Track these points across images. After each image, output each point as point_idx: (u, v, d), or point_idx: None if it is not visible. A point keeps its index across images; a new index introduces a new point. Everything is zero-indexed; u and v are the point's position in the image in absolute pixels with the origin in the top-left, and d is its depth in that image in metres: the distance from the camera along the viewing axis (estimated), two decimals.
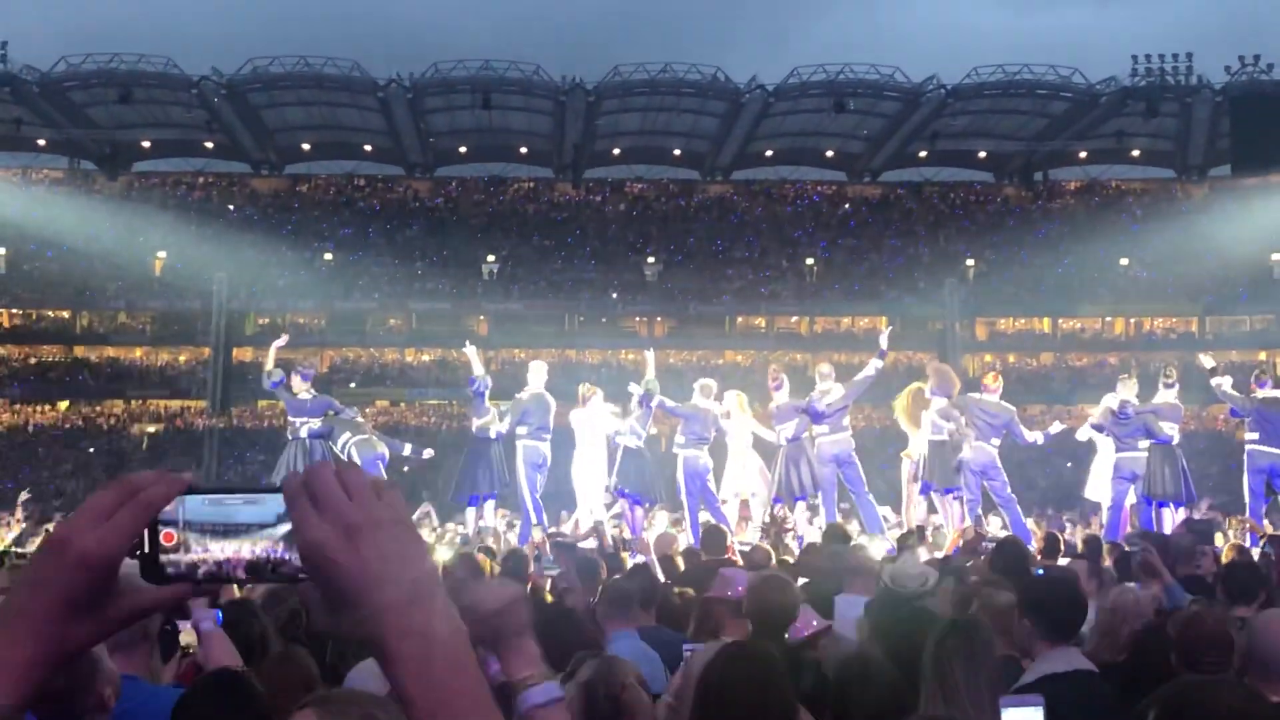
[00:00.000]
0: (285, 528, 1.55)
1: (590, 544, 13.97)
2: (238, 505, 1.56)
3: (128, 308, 62.72)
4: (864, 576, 8.20)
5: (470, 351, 19.95)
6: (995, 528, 17.33)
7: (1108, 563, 11.15)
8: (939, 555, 12.54)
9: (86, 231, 60.32)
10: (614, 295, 63.70)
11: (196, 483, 1.59)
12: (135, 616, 1.57)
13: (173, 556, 1.56)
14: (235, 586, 6.07)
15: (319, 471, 1.54)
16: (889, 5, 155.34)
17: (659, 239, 67.38)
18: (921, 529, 16.02)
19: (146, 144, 67.08)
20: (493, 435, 18.80)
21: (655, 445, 20.35)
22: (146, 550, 1.55)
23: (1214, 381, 18.37)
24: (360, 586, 1.48)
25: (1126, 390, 18.11)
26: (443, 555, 11.48)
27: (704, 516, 17.84)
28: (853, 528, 16.43)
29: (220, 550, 1.56)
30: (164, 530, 1.55)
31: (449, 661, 1.50)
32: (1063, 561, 9.65)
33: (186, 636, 5.52)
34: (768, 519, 17.14)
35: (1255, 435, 17.94)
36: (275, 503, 1.56)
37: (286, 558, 1.55)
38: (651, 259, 65.44)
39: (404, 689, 1.49)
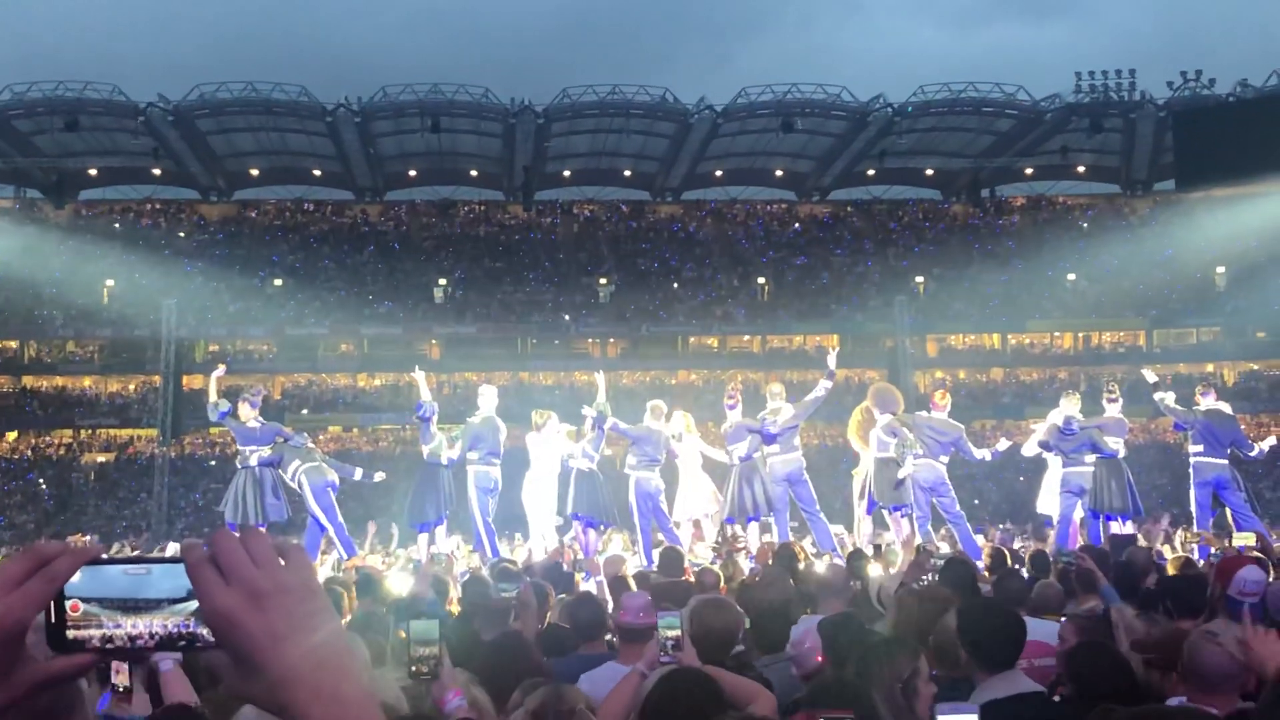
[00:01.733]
0: (195, 603, 1.54)
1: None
2: (147, 577, 1.56)
3: (76, 336, 62.23)
4: (841, 596, 8.19)
5: (419, 376, 19.94)
6: (947, 544, 17.45)
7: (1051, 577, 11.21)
8: (892, 572, 12.62)
9: (34, 260, 59.76)
10: (566, 317, 63.69)
11: (104, 554, 1.60)
12: (39, 686, 1.55)
13: (80, 630, 1.55)
14: None
15: (224, 539, 1.54)
16: (828, 27, 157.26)
17: (610, 260, 67.44)
18: (878, 547, 16.09)
19: (93, 172, 66.64)
20: (443, 461, 18.77)
21: (608, 467, 20.35)
22: (52, 620, 1.56)
23: (1157, 396, 18.54)
24: (269, 652, 1.48)
25: (1071, 406, 18.28)
26: (396, 582, 11.41)
27: (657, 538, 17.88)
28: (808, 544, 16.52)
29: (130, 624, 1.55)
30: (70, 601, 1.56)
31: None
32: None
33: (120, 678, 5.54)
34: (720, 539, 17.17)
35: (1200, 448, 18.12)
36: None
37: (199, 632, 1.54)
38: (603, 280, 65.51)
39: None
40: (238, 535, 1.56)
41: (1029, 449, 19.27)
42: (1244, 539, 14.12)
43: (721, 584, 10.58)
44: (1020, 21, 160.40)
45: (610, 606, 8.90)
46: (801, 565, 11.69)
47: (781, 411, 18.17)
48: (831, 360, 18.78)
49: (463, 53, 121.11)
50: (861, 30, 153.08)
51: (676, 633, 5.37)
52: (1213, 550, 13.47)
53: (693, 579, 11.40)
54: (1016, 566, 12.51)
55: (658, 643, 5.37)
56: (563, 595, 10.43)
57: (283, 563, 1.54)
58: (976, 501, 39.89)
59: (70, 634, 1.55)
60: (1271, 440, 19.60)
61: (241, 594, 1.49)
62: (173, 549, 22.47)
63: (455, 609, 11.19)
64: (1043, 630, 6.88)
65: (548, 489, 18.73)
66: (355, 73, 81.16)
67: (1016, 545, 20.17)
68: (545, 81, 69.76)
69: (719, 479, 18.88)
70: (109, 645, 1.55)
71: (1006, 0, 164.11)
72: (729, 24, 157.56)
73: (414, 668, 4.37)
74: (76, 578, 1.53)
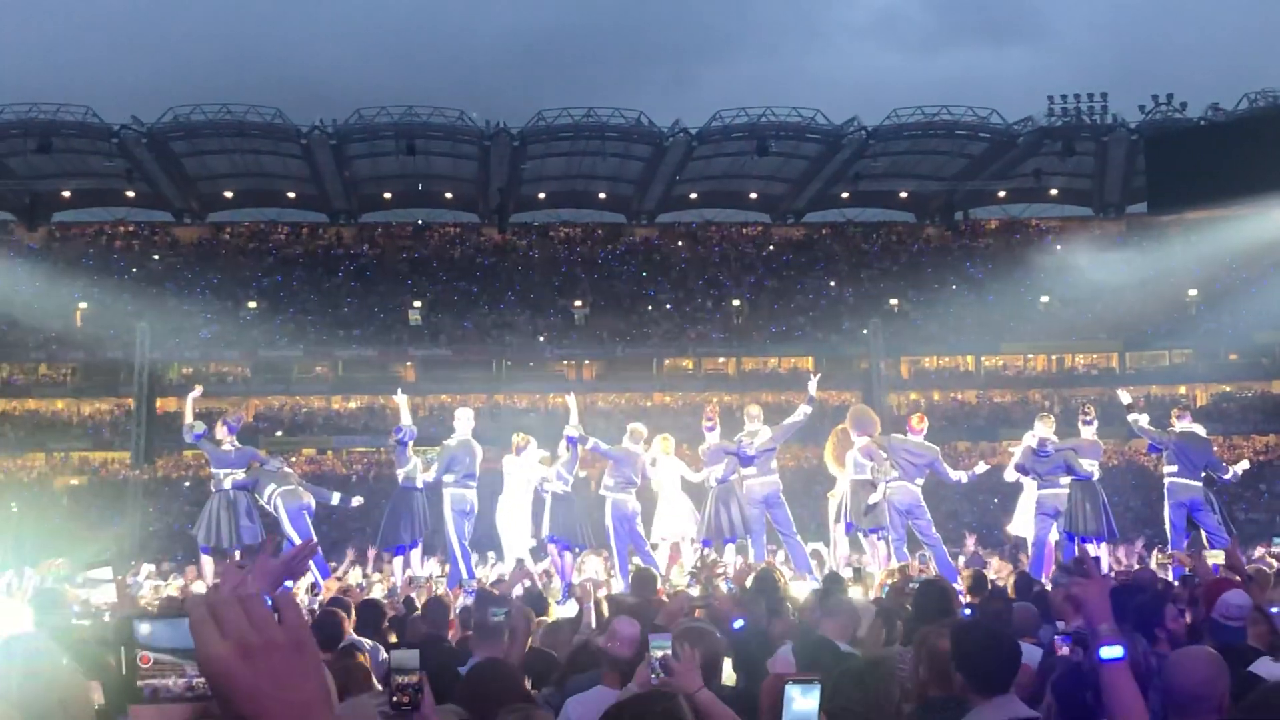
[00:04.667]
0: None
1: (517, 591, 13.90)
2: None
3: (49, 359, 61.85)
4: (843, 618, 8.18)
5: (401, 400, 19.94)
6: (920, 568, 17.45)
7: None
8: (871, 596, 12.63)
9: (6, 282, 59.46)
10: (541, 339, 63.65)
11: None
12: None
13: (154, 680, 1.68)
14: None
15: (224, 596, 1.62)
16: (791, 51, 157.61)
17: (585, 282, 67.45)
18: (858, 570, 16.11)
19: (66, 194, 66.37)
20: (419, 485, 18.77)
21: (584, 489, 20.34)
22: (124, 673, 1.63)
23: (1131, 417, 18.64)
24: (252, 703, 1.56)
25: (1045, 428, 18.34)
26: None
27: (633, 560, 17.87)
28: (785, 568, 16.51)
29: (193, 671, 1.67)
30: (141, 654, 1.63)
31: None
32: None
33: None
34: (698, 563, 17.16)
35: (1174, 469, 18.20)
36: None
37: None
38: (578, 302, 65.53)
39: None
40: (237, 596, 1.63)
41: (1009, 474, 19.28)
42: (1214, 557, 14.20)
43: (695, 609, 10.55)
44: (982, 46, 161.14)
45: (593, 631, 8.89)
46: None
47: (759, 434, 18.22)
48: (812, 387, 18.79)
49: (434, 76, 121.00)
50: (824, 55, 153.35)
51: (666, 653, 5.36)
52: (1186, 570, 13.51)
53: (666, 599, 11.38)
54: (999, 587, 12.55)
55: (648, 664, 5.36)
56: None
57: (277, 619, 1.63)
58: (951, 524, 39.96)
59: (142, 684, 1.62)
60: (1244, 464, 19.73)
61: (233, 647, 1.57)
62: (147, 570, 22.36)
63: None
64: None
65: (522, 512, 18.72)
66: (330, 95, 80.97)
67: (992, 563, 20.17)
68: (512, 104, 69.84)
69: (697, 501, 18.90)
70: (189, 694, 1.67)
71: (967, 25, 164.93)
72: (691, 48, 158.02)
73: (395, 698, 4.34)
74: (146, 629, 1.60)
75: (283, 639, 1.60)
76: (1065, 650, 7.24)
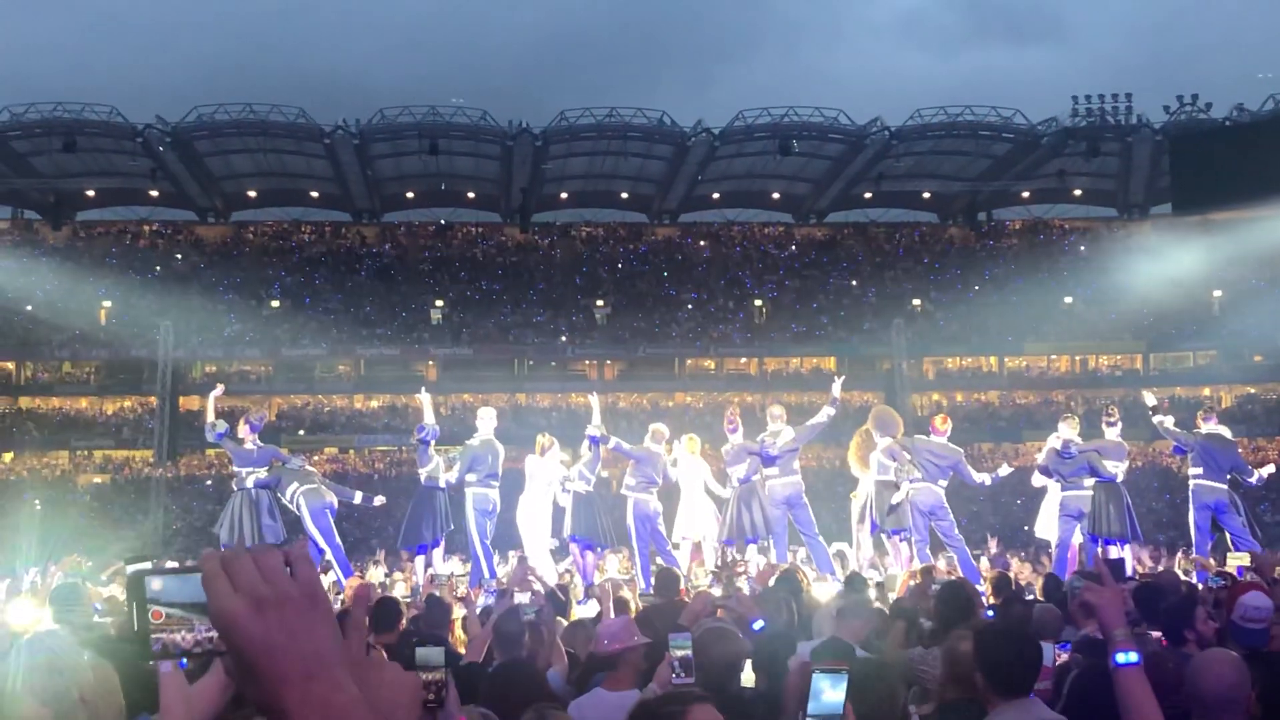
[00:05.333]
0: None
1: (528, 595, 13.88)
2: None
3: (73, 357, 62.14)
4: (859, 621, 8.14)
5: (424, 399, 19.83)
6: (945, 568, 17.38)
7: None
8: (893, 597, 12.58)
9: (30, 281, 59.89)
10: (563, 339, 63.68)
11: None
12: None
13: (166, 634, 1.67)
14: None
15: (236, 551, 1.63)
16: (812, 51, 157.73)
17: (607, 282, 67.46)
18: (879, 585, 16.06)
19: (91, 193, 66.67)
20: (441, 484, 18.76)
21: (605, 489, 20.31)
22: (135, 629, 1.63)
23: (1155, 419, 18.51)
24: (264, 657, 1.57)
25: (1069, 429, 18.21)
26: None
27: (655, 560, 17.83)
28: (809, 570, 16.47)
29: (206, 626, 1.65)
30: (152, 609, 1.63)
31: None
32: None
33: None
34: (720, 562, 17.12)
35: (1199, 470, 18.07)
36: None
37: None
38: (600, 302, 65.55)
39: None
40: (251, 550, 1.64)
41: (1037, 479, 19.14)
42: (1239, 559, 14.10)
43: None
44: (1004, 46, 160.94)
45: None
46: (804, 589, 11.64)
47: (782, 434, 18.14)
48: (836, 388, 18.58)
49: (457, 75, 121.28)
50: (845, 55, 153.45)
51: (687, 653, 5.33)
52: (1210, 575, 13.42)
53: (688, 600, 11.35)
54: (1024, 589, 12.49)
55: (669, 663, 5.34)
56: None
57: (290, 573, 1.63)
58: (974, 526, 39.85)
59: (155, 639, 1.62)
60: (1270, 468, 19.52)
61: (245, 600, 1.58)
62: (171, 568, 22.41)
63: (460, 633, 11.17)
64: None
65: (543, 512, 18.68)
66: (353, 95, 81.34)
67: (1012, 565, 20.09)
68: (534, 104, 70.09)
69: (719, 500, 18.86)
70: (196, 649, 1.67)
71: (990, 25, 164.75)
72: (712, 48, 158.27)
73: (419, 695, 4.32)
74: (158, 585, 1.61)
75: (295, 592, 1.61)
76: (1064, 657, 7.22)
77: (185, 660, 5.28)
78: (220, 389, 20.78)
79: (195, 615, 1.65)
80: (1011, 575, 14.58)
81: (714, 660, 6.07)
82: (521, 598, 9.00)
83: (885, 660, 6.13)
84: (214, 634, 1.63)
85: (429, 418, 19.10)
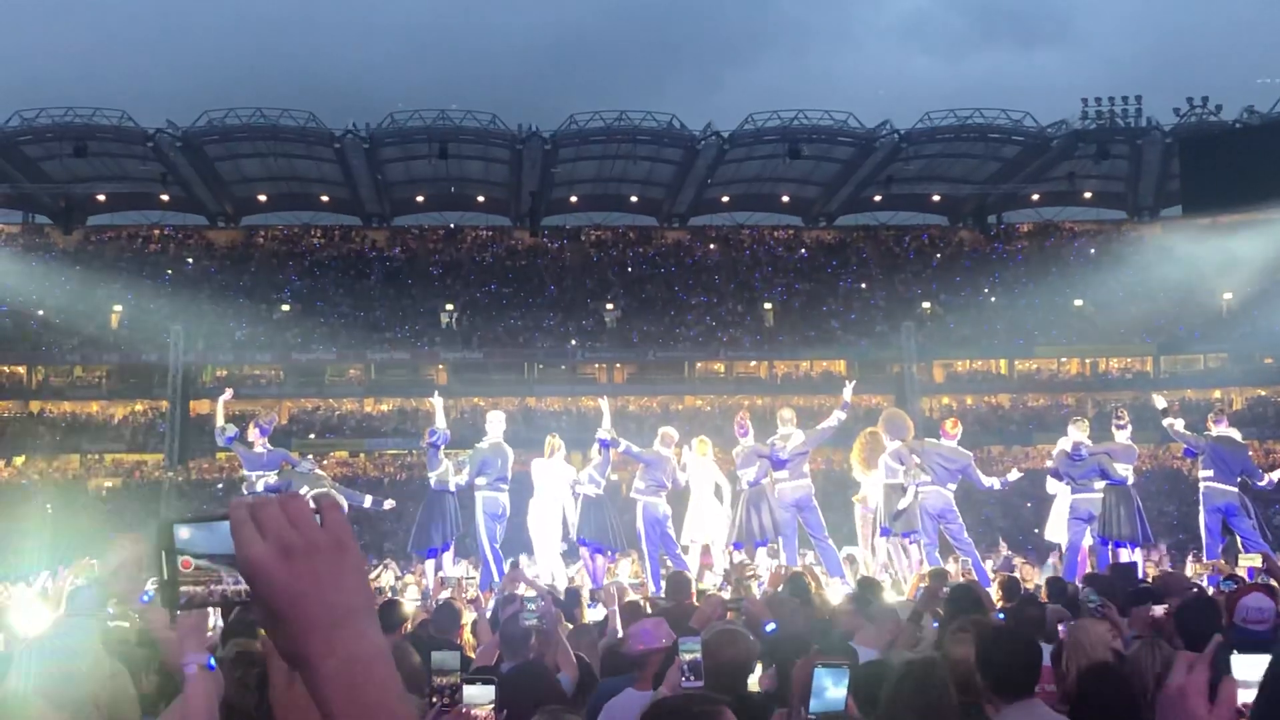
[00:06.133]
0: None
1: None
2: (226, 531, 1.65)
3: (84, 361, 62.23)
4: (879, 626, 8.12)
5: (436, 402, 19.80)
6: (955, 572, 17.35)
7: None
8: (902, 599, 12.57)
9: (41, 286, 60.03)
10: (573, 342, 63.66)
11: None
12: None
13: (194, 585, 1.67)
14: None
15: (265, 498, 1.64)
16: (820, 54, 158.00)
17: (617, 286, 67.48)
18: (894, 581, 16.05)
19: (102, 197, 66.84)
20: (451, 488, 18.76)
21: (615, 492, 20.31)
22: (165, 578, 1.65)
23: (1166, 422, 18.48)
24: (291, 605, 1.57)
25: (1079, 432, 18.18)
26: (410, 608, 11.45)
27: (664, 563, 17.83)
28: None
29: (234, 578, 1.66)
30: (182, 558, 1.64)
31: (372, 682, 1.58)
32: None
33: None
34: (730, 565, 17.10)
35: (1210, 473, 18.01)
36: None
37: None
38: (610, 305, 65.55)
39: (327, 707, 1.58)
40: (279, 497, 1.65)
41: (1051, 485, 19.11)
42: (1250, 560, 14.08)
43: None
44: (1013, 49, 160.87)
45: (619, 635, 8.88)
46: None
47: (792, 437, 18.12)
48: (847, 392, 18.53)
49: (466, 79, 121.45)
50: (854, 58, 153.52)
51: (696, 656, 5.35)
52: (1222, 578, 13.39)
53: (697, 603, 11.35)
54: (1033, 592, 12.47)
55: (679, 667, 5.35)
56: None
57: (319, 520, 1.63)
58: (983, 529, 39.79)
59: (184, 588, 1.61)
60: None
61: (273, 547, 1.59)
62: None
63: (469, 637, 11.18)
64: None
65: (553, 515, 18.68)
66: (362, 99, 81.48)
67: (1019, 568, 20.05)
68: (543, 107, 70.18)
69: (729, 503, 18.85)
70: (224, 599, 1.67)
71: (998, 28, 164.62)
72: (720, 51, 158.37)
73: (433, 698, 4.36)
74: (186, 534, 1.61)
75: (324, 540, 1.61)
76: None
77: (213, 661, 5.30)
78: (230, 393, 20.85)
79: (224, 567, 1.66)
80: (1019, 578, 14.55)
81: (724, 662, 6.08)
82: (528, 594, 9.00)
83: (936, 659, 6.12)
84: (242, 586, 1.64)
85: (440, 421, 19.09)
